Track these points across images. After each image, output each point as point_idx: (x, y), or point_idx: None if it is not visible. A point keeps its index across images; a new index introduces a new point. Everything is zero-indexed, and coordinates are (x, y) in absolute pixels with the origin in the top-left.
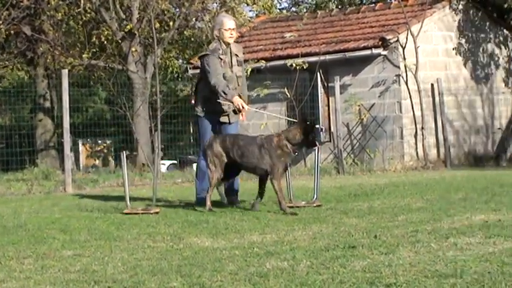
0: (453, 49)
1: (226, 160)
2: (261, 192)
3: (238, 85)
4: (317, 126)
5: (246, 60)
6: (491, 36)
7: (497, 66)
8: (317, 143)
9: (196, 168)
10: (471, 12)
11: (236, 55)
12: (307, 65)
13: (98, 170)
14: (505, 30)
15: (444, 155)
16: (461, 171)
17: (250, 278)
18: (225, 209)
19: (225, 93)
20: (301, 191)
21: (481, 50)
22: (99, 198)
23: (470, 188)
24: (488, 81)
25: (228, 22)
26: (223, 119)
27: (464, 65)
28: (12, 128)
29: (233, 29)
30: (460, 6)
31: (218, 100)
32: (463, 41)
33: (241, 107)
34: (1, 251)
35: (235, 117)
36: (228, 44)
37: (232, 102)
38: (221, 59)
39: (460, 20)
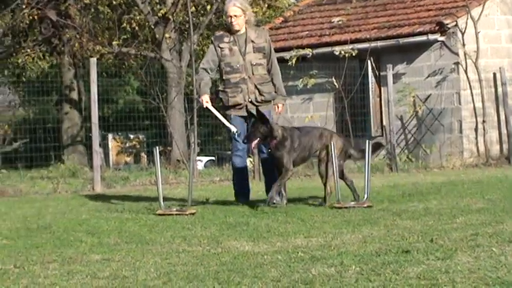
0: None
1: None
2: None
3: (253, 74)
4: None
5: (290, 48)
6: None
7: None
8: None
9: (231, 166)
10: None
11: (253, 41)
12: (356, 52)
13: (129, 167)
14: None
15: (508, 150)
16: None
17: (294, 285)
18: (267, 209)
19: (197, 91)
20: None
21: None
22: (130, 198)
23: None
24: None
25: (230, 8)
26: (241, 112)
27: None
28: (37, 122)
29: (235, 15)
30: None
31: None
32: None
33: (203, 104)
34: (24, 255)
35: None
36: (235, 31)
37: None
38: (221, 48)
39: None
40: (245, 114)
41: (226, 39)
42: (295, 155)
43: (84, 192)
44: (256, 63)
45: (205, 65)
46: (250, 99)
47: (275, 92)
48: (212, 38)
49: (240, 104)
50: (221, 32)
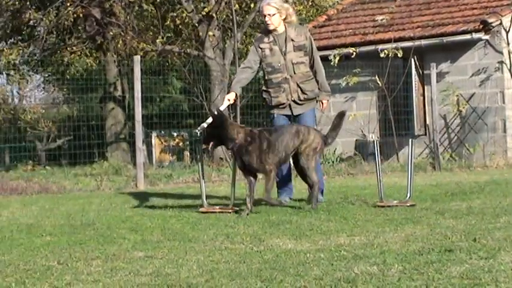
0: None
1: None
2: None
3: (295, 73)
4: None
5: (333, 46)
6: None
7: None
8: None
9: None
10: None
11: (292, 40)
12: (401, 53)
13: (172, 164)
14: None
15: None
16: None
17: (337, 284)
18: (310, 208)
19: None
20: (393, 189)
21: None
22: (173, 196)
23: None
24: None
25: (264, 7)
26: (284, 111)
27: None
28: (81, 119)
29: (268, 14)
30: None
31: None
32: None
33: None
34: (68, 251)
35: (300, 108)
36: (271, 30)
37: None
38: (262, 49)
39: None
40: (289, 113)
41: (266, 40)
42: (270, 157)
43: (128, 189)
44: (297, 61)
45: (246, 64)
46: (293, 98)
47: (318, 89)
48: (254, 39)
49: (283, 104)
50: (260, 33)
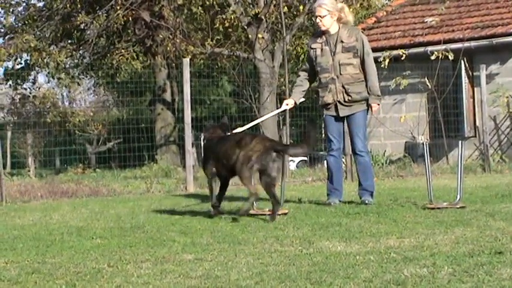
0: None
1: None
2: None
3: (341, 74)
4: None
5: (382, 48)
6: None
7: None
8: None
9: (326, 166)
10: None
11: (342, 41)
12: (452, 55)
13: None
14: None
15: None
16: None
17: (386, 286)
18: (360, 210)
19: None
20: (443, 191)
21: None
22: (223, 198)
23: None
24: None
25: (316, 8)
26: (331, 112)
27: None
28: (130, 122)
29: (319, 15)
30: None
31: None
32: None
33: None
34: (118, 254)
35: (348, 109)
36: (323, 31)
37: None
38: (312, 48)
39: None
40: (335, 114)
41: (318, 40)
42: (212, 166)
43: (177, 192)
44: (345, 62)
45: (303, 67)
46: (338, 99)
47: (368, 92)
48: (308, 39)
49: (329, 104)
50: (317, 33)
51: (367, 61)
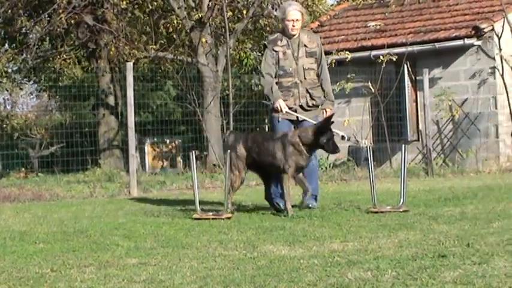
0: None
1: (249, 160)
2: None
3: (305, 78)
4: (339, 132)
5: (329, 52)
6: None
7: None
8: (336, 150)
9: None
10: None
11: (305, 46)
12: (396, 57)
13: (165, 171)
14: None
15: None
16: None
17: None
18: (304, 214)
19: (268, 97)
20: (387, 194)
21: None
22: (167, 202)
23: None
24: None
25: (291, 12)
26: (291, 116)
27: None
28: (73, 126)
29: (296, 19)
30: None
31: (263, 101)
32: None
33: (279, 109)
34: (61, 258)
35: (306, 114)
36: (291, 36)
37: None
38: (276, 51)
39: None
40: (293, 118)
41: (280, 43)
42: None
43: (121, 196)
44: (308, 67)
45: (268, 70)
46: (300, 104)
47: (324, 96)
48: (266, 42)
49: (291, 108)
50: (275, 35)
51: (325, 66)
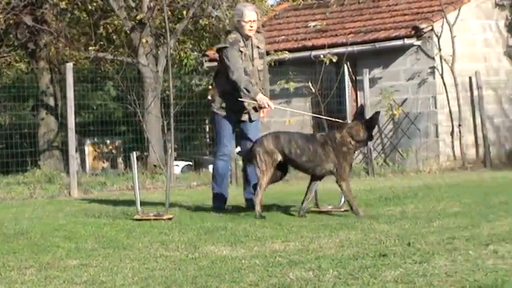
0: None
1: (279, 159)
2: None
3: (260, 79)
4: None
5: (267, 52)
6: None
7: None
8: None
9: (213, 170)
10: None
11: (257, 47)
12: (336, 58)
13: (105, 172)
14: None
15: (484, 154)
16: (503, 172)
17: None
18: (246, 214)
19: (248, 90)
20: (328, 194)
21: None
22: (107, 203)
23: None
24: None
25: (249, 13)
26: (244, 117)
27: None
28: (13, 127)
29: (253, 20)
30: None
31: (240, 99)
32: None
33: (266, 105)
34: (1, 260)
35: (256, 114)
36: (248, 37)
37: (256, 101)
38: (241, 52)
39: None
40: (246, 119)
41: (240, 43)
42: None
43: (61, 197)
44: (260, 69)
45: (242, 65)
46: (254, 104)
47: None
48: (229, 44)
49: (245, 108)
50: (233, 37)
51: (266, 67)
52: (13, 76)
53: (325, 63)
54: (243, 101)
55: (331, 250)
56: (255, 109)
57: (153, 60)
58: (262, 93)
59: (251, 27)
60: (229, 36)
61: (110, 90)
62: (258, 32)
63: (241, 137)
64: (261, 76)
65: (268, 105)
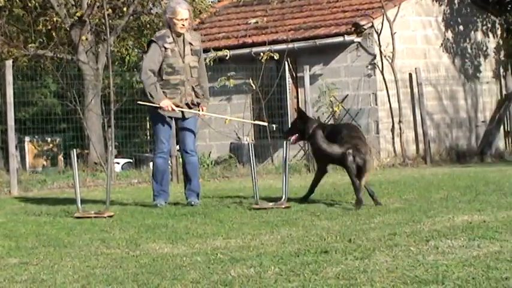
0: (440, 45)
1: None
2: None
3: (192, 76)
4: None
5: (207, 49)
6: (478, 24)
7: (485, 56)
8: None
9: (153, 168)
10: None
11: (190, 44)
12: (277, 55)
13: (46, 170)
14: (492, 17)
15: (424, 150)
16: (443, 169)
17: (214, 287)
18: (186, 211)
19: (151, 95)
20: (269, 191)
21: (465, 37)
22: (48, 201)
23: (452, 186)
24: (472, 71)
25: (181, 12)
26: (177, 114)
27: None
28: None
29: (186, 19)
30: None
31: (139, 102)
32: (444, 28)
33: (170, 109)
34: None
35: (191, 112)
36: (179, 34)
37: (161, 107)
38: (166, 48)
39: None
40: (179, 116)
41: (168, 40)
42: None
43: (1, 195)
44: (194, 65)
45: (152, 67)
46: (186, 101)
47: (202, 94)
48: (154, 38)
49: (178, 106)
50: (163, 32)
51: (203, 64)
52: None
53: (265, 60)
54: (143, 104)
55: (272, 247)
56: (188, 106)
57: (93, 57)
58: (193, 89)
59: (183, 25)
60: (159, 31)
61: (49, 86)
62: (194, 29)
63: (178, 134)
64: (194, 73)
65: (173, 109)
